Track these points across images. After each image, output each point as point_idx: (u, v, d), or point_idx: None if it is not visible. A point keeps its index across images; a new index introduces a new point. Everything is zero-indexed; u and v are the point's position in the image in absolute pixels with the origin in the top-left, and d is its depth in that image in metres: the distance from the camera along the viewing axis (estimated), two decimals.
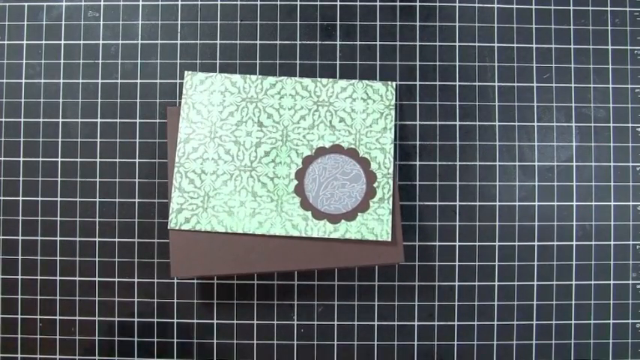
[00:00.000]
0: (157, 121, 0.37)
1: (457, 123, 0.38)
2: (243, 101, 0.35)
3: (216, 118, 0.35)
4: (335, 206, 0.34)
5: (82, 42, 0.38)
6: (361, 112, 0.35)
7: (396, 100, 0.36)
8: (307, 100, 0.35)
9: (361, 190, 0.34)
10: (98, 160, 0.37)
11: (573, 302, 0.37)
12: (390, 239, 0.34)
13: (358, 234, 0.34)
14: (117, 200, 0.37)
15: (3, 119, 0.38)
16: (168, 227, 0.34)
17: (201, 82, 0.35)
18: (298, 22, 0.38)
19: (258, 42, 0.38)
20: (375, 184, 0.34)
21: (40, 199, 0.37)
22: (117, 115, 0.38)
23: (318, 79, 0.35)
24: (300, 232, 0.33)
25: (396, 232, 0.34)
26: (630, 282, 0.37)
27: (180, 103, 0.37)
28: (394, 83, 0.36)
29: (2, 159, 0.38)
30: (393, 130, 0.35)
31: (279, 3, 0.38)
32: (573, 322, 0.37)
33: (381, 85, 0.35)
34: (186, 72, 0.36)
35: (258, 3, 0.38)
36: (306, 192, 0.34)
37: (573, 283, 0.37)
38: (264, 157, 0.34)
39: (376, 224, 0.34)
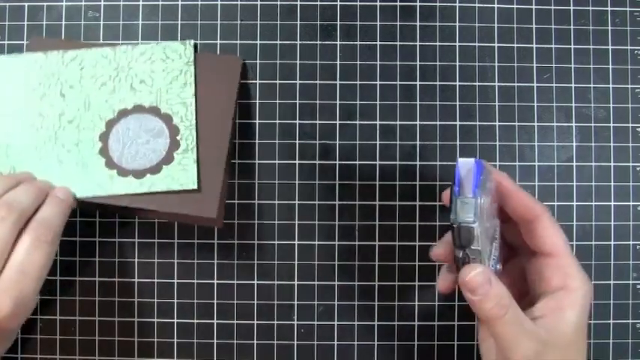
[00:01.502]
0: None
1: (457, 123, 0.38)
2: (45, 76, 0.36)
3: (20, 95, 0.36)
4: (140, 162, 0.35)
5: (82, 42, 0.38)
6: (161, 72, 0.36)
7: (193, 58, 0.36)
8: (107, 68, 0.36)
9: (165, 144, 0.35)
10: None
11: None
12: (195, 187, 0.34)
13: (164, 185, 0.34)
14: None
15: None
16: None
17: (2, 65, 0.36)
18: (298, 22, 0.38)
19: (258, 42, 0.38)
20: (179, 137, 0.35)
21: None
22: None
23: (118, 45, 0.36)
24: (106, 191, 0.34)
25: (213, 185, 0.34)
26: (630, 282, 0.37)
27: None
28: (192, 41, 0.36)
29: None
30: (193, 85, 0.36)
31: (279, 3, 0.38)
32: None
33: (179, 45, 0.36)
34: None
35: (259, 3, 0.38)
36: (111, 152, 0.35)
37: None
38: (67, 126, 0.35)
39: (182, 174, 0.34)
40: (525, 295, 0.30)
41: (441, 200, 0.35)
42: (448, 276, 0.32)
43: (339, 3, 0.38)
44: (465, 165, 0.27)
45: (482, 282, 0.26)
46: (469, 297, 0.27)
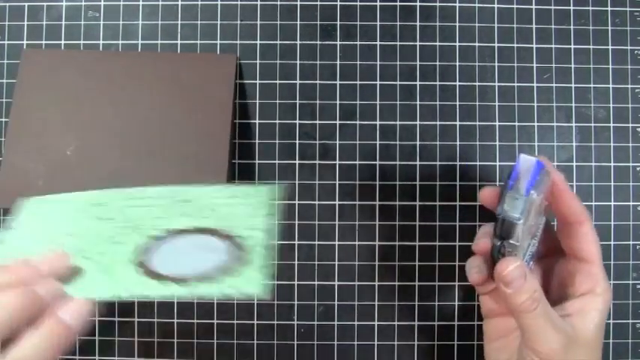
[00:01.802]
0: None
1: (457, 123, 0.38)
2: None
3: (49, 228, 0.29)
4: (185, 271, 0.27)
5: (82, 42, 0.38)
6: (224, 205, 0.30)
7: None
8: (166, 200, 0.30)
9: (224, 259, 0.28)
10: None
11: None
12: (265, 296, 0.27)
13: (220, 293, 0.26)
14: None
15: (3, 119, 0.38)
16: None
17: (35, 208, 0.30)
18: (298, 22, 0.38)
19: (258, 42, 0.38)
20: (243, 252, 0.28)
21: None
22: None
23: (194, 187, 0.30)
24: (133, 293, 0.27)
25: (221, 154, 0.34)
26: (630, 282, 0.37)
27: None
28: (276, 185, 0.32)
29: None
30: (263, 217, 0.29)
31: (279, 3, 0.38)
32: None
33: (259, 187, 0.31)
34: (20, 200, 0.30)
35: (258, 3, 0.38)
36: (149, 263, 0.27)
37: None
38: (103, 240, 0.28)
39: (243, 282, 0.27)
40: (545, 293, 0.30)
41: (480, 200, 0.33)
42: (484, 268, 0.32)
43: (339, 3, 0.38)
44: (526, 162, 0.27)
45: (518, 276, 0.27)
46: (503, 289, 0.28)
